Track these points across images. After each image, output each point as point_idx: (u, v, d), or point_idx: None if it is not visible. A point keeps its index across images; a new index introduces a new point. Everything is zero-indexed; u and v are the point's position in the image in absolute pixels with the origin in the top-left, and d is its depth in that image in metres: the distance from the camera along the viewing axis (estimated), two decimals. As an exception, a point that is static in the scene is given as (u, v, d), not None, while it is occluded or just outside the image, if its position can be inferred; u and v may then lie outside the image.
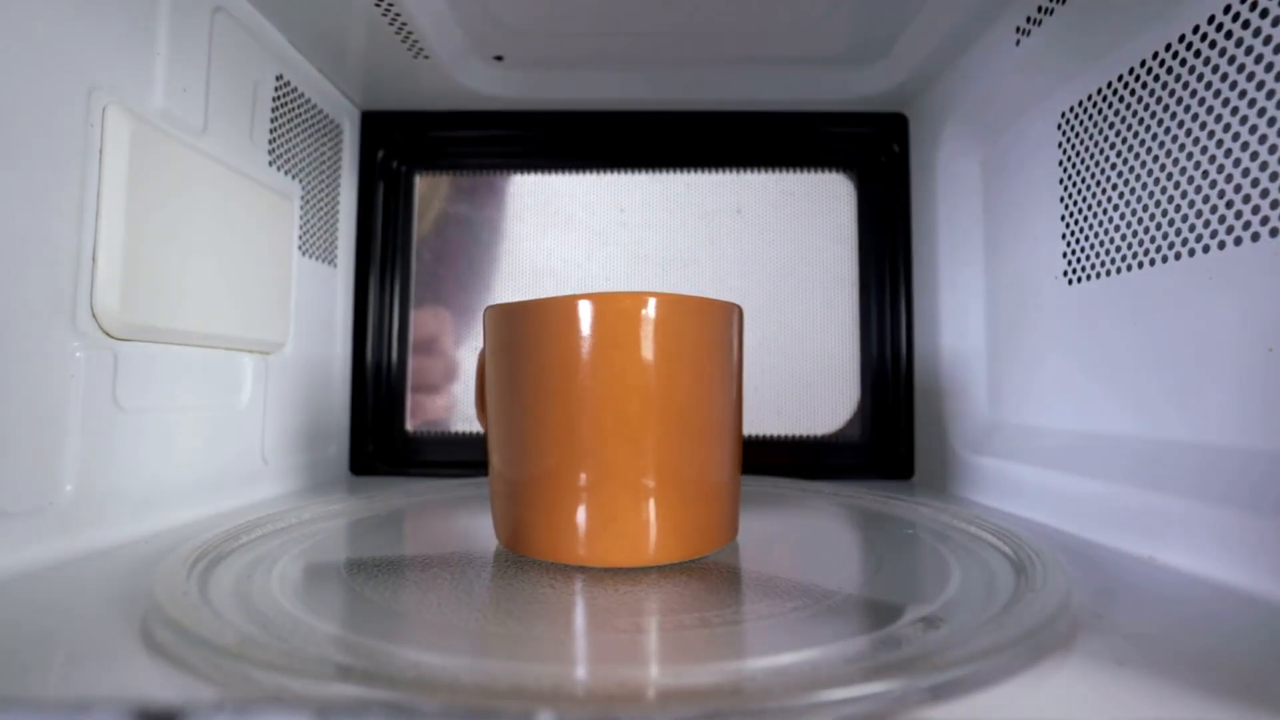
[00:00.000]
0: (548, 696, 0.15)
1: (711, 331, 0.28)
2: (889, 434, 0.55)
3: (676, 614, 0.22)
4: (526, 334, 0.28)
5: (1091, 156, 0.37)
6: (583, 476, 0.27)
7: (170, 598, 0.21)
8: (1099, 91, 0.36)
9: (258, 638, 0.18)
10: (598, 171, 0.57)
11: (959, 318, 0.49)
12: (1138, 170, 0.33)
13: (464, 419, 0.56)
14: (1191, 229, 0.30)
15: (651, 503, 0.27)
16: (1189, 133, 0.30)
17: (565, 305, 0.27)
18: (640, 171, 0.57)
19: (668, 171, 0.57)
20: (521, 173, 0.57)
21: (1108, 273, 0.35)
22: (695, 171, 0.57)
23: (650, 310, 0.27)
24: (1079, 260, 0.38)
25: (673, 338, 0.27)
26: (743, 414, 0.31)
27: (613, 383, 0.27)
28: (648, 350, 0.27)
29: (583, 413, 0.27)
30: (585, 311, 0.27)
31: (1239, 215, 0.28)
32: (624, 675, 0.17)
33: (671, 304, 0.27)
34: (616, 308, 0.27)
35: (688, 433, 0.28)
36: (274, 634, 0.19)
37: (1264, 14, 0.27)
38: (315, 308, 0.50)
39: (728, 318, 0.29)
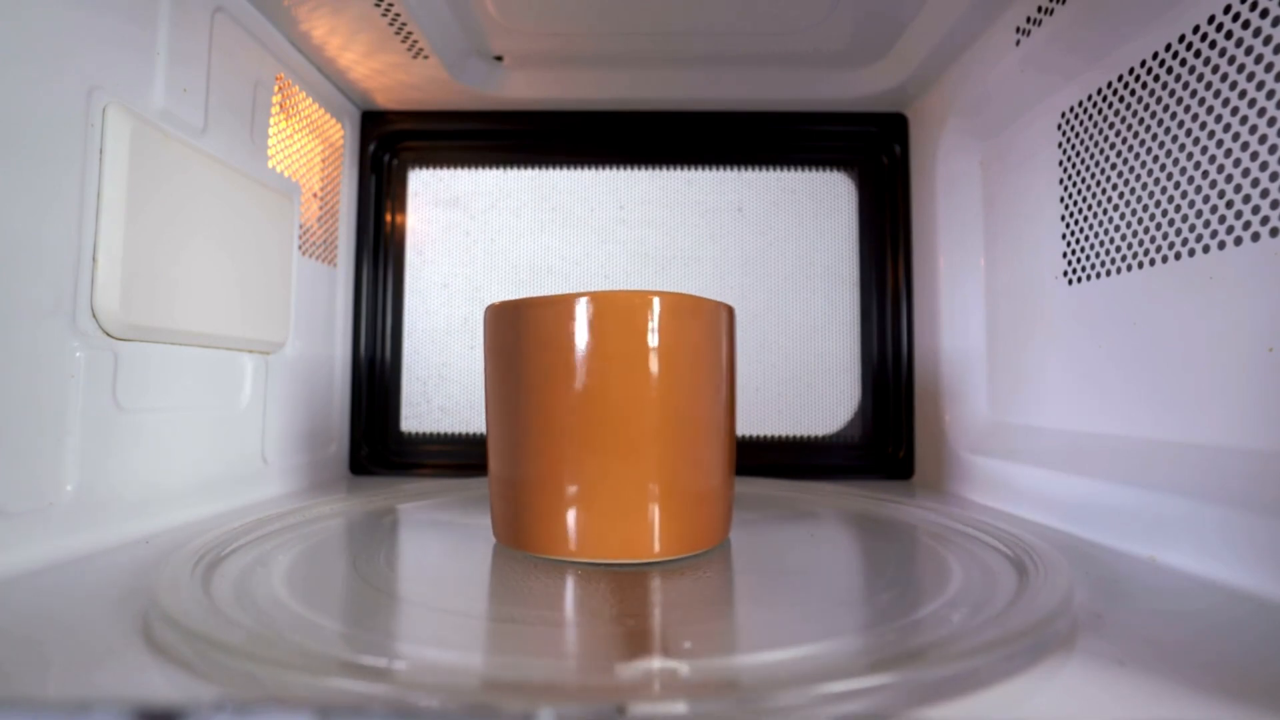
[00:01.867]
0: (547, 692, 0.15)
1: (700, 329, 0.29)
2: (889, 434, 0.55)
3: (671, 610, 0.22)
4: (518, 333, 0.28)
5: (1091, 156, 0.37)
6: (574, 475, 0.27)
7: (173, 597, 0.21)
8: (1099, 91, 0.36)
9: (261, 635, 0.18)
10: (597, 167, 0.57)
11: (959, 318, 0.49)
12: (1138, 170, 0.33)
13: (461, 420, 0.56)
14: (1191, 229, 0.30)
15: (643, 500, 0.27)
16: (1189, 133, 0.30)
17: (556, 304, 0.27)
18: (640, 168, 0.57)
19: (668, 168, 0.57)
20: (520, 169, 0.57)
21: (1108, 273, 0.35)
22: (695, 168, 0.57)
23: (640, 308, 0.27)
24: (1079, 260, 0.38)
25: (662, 335, 0.27)
26: (735, 413, 0.31)
27: (602, 381, 0.27)
28: (637, 348, 0.27)
29: (574, 410, 0.27)
30: (576, 310, 0.27)
31: (1239, 215, 0.28)
32: (622, 671, 0.17)
33: (662, 301, 0.27)
34: (608, 306, 0.27)
35: (679, 430, 0.28)
36: (277, 631, 0.19)
37: (1264, 14, 0.27)
38: (315, 307, 0.50)
39: (716, 317, 0.29)
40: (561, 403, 0.27)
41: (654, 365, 0.27)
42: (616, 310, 0.27)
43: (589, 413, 0.27)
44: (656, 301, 0.27)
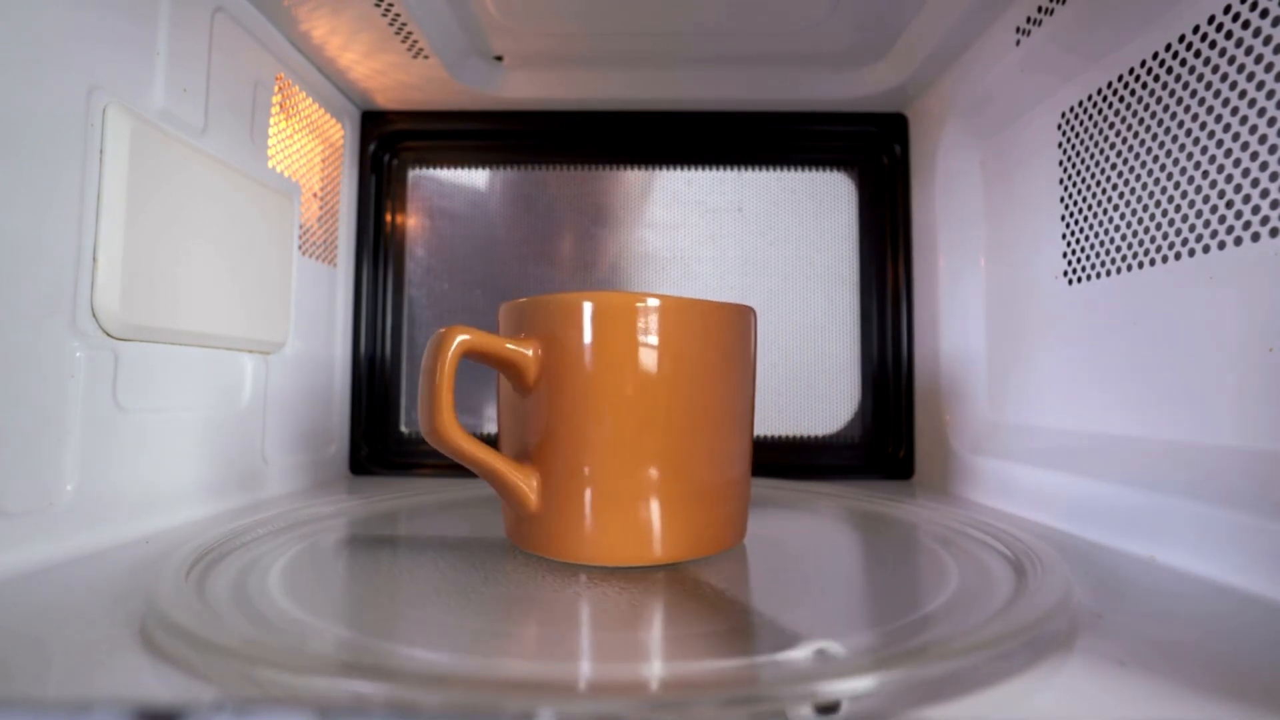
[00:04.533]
0: (549, 693, 0.15)
1: (731, 336, 0.29)
2: (889, 434, 0.55)
3: (682, 612, 0.22)
4: (541, 331, 0.28)
5: (1091, 156, 0.37)
6: (594, 475, 0.27)
7: (169, 601, 0.20)
8: (1099, 91, 0.36)
9: (257, 637, 0.18)
10: (596, 167, 0.57)
11: (959, 318, 0.49)
12: (1138, 170, 0.33)
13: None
14: (1191, 229, 0.30)
15: (663, 502, 0.27)
16: (1189, 133, 0.30)
17: (579, 302, 0.27)
18: (640, 168, 0.57)
19: (667, 168, 0.57)
20: (520, 168, 0.57)
21: (1108, 273, 0.35)
22: (695, 168, 0.57)
23: (671, 313, 0.27)
24: (1079, 260, 0.38)
25: (694, 342, 0.27)
26: (754, 417, 0.31)
27: (629, 384, 0.27)
28: (668, 353, 0.27)
29: (597, 412, 0.27)
30: (601, 311, 0.27)
31: (1239, 215, 0.28)
32: (629, 671, 0.17)
33: (693, 309, 0.27)
34: (638, 309, 0.27)
35: (703, 435, 0.28)
36: (273, 633, 0.19)
37: (1264, 14, 0.27)
38: (315, 307, 0.50)
39: (748, 322, 0.30)
40: (604, 407, 0.27)
41: (696, 369, 0.27)
42: (678, 316, 0.27)
43: (607, 416, 0.27)
44: (713, 309, 0.27)
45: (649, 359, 0.27)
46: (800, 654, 0.18)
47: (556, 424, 0.27)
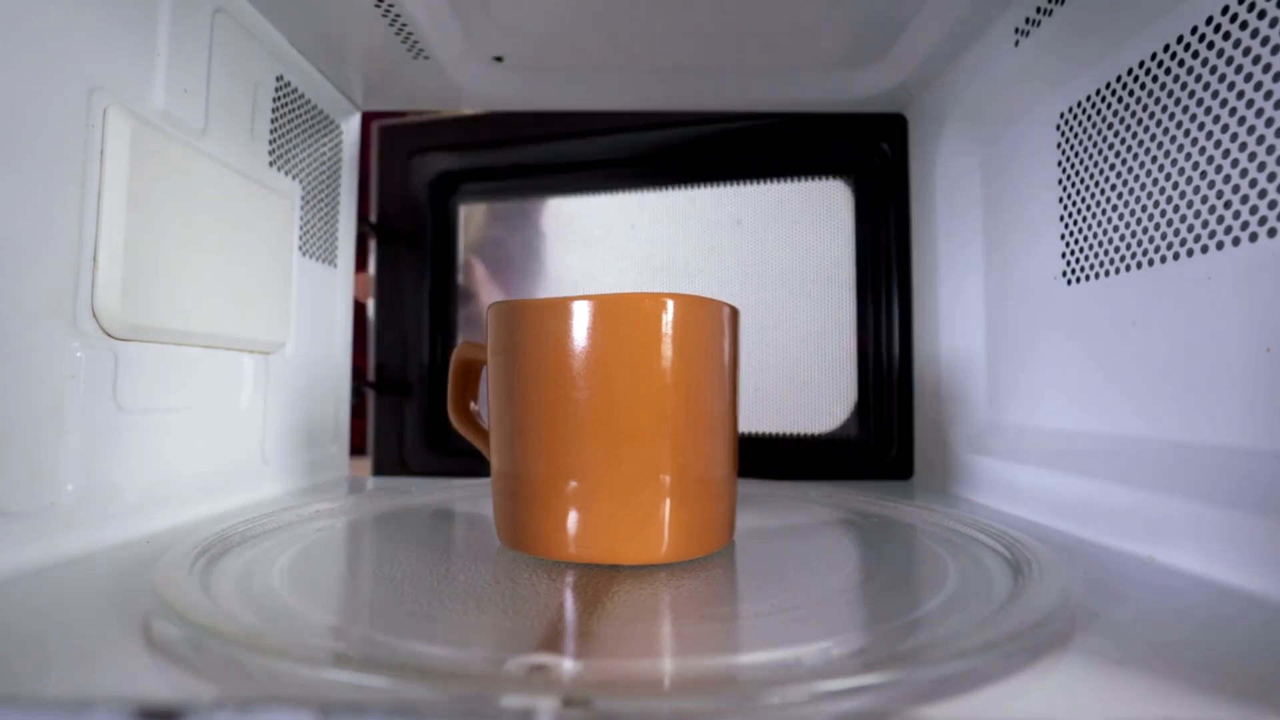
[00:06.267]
0: (545, 688, 0.15)
1: (705, 329, 0.29)
2: (888, 434, 0.55)
3: (674, 611, 0.22)
4: (528, 333, 0.28)
5: (1090, 157, 0.37)
6: (582, 475, 0.27)
7: (173, 591, 0.21)
8: (1098, 92, 0.36)
9: (259, 628, 0.18)
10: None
11: (958, 318, 0.49)
12: (1136, 171, 0.33)
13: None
14: (1190, 229, 0.30)
15: (650, 503, 0.27)
16: (1187, 133, 0.30)
17: (563, 306, 0.27)
18: (646, 190, 0.57)
19: (671, 188, 0.57)
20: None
21: (1107, 273, 0.35)
22: (696, 186, 0.57)
23: (647, 309, 0.27)
24: (1078, 261, 0.38)
25: (669, 335, 0.27)
26: (738, 415, 0.31)
27: (611, 382, 0.27)
28: (645, 349, 0.27)
29: (582, 412, 0.27)
30: (585, 312, 0.27)
31: (1237, 216, 0.28)
32: (623, 668, 0.17)
33: (669, 302, 0.27)
34: (618, 308, 0.27)
35: (685, 432, 0.28)
36: (275, 624, 0.19)
37: (1261, 15, 0.27)
38: (315, 308, 0.50)
39: (720, 316, 0.29)
40: (570, 405, 0.27)
41: (663, 367, 0.27)
42: (625, 312, 0.27)
43: (600, 415, 0.27)
44: (669, 303, 0.27)
45: (634, 356, 0.27)
46: (515, 666, 0.17)
47: (548, 424, 0.28)
